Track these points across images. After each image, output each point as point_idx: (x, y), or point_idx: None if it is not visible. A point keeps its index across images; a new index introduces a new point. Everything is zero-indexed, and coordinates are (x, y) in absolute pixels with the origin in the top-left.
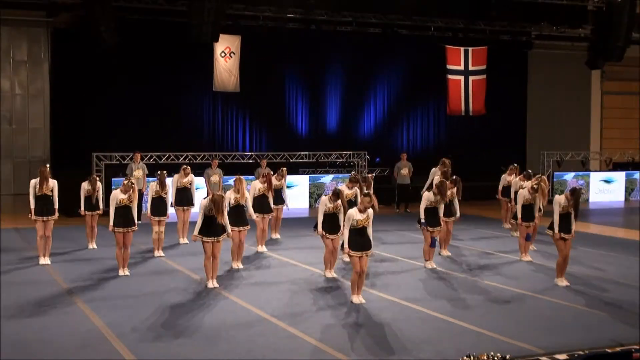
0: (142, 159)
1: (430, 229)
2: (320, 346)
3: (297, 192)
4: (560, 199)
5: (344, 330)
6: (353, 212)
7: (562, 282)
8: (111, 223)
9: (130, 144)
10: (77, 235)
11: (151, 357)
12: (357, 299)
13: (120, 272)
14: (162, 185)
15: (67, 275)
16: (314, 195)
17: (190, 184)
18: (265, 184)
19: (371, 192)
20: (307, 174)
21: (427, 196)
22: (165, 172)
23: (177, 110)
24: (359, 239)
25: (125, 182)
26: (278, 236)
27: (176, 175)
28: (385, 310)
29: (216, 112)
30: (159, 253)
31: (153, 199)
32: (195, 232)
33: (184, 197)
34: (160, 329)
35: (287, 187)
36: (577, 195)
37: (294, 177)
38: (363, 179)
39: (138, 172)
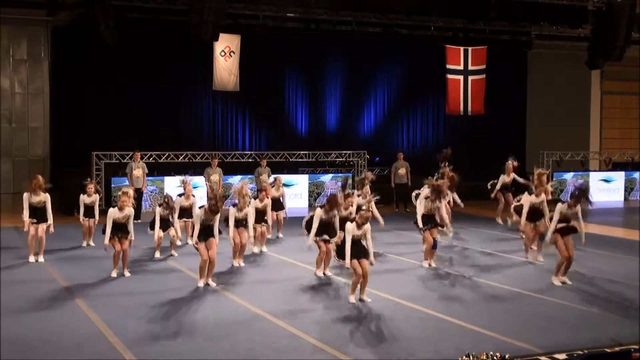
0: (141, 158)
1: (430, 230)
2: (320, 345)
3: (296, 191)
4: (562, 207)
5: (344, 329)
6: (351, 227)
7: (557, 281)
8: (106, 241)
9: (130, 143)
10: (75, 234)
11: (151, 357)
12: (353, 298)
13: (113, 274)
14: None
15: (67, 273)
16: (314, 194)
17: (192, 205)
18: (265, 200)
19: (371, 206)
20: (306, 173)
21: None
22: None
23: (176, 109)
24: (353, 248)
25: (123, 196)
26: (281, 235)
27: (179, 198)
28: (384, 309)
29: (216, 111)
30: (158, 254)
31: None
32: (194, 238)
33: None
34: (160, 328)
35: (287, 185)
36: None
37: (294, 176)
38: (360, 181)
39: (138, 171)
